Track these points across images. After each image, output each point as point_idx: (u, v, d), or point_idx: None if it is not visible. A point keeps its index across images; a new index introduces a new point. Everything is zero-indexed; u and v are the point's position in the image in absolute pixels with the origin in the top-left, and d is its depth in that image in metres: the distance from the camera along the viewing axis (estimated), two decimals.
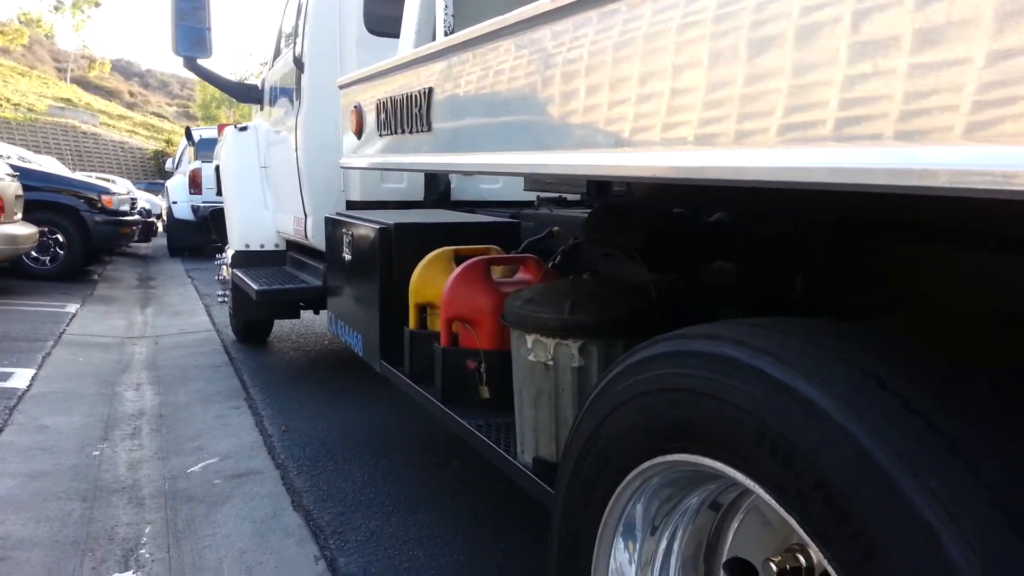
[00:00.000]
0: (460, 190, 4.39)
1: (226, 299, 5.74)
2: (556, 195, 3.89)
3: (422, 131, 1.99)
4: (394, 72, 2.26)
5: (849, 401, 0.96)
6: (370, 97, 2.50)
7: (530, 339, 2.04)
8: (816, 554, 1.27)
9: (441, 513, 3.17)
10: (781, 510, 1.03)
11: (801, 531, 1.00)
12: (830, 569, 0.96)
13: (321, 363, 5.73)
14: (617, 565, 1.46)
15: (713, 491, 1.41)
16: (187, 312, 7.99)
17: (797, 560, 1.28)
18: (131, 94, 61.19)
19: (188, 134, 14.10)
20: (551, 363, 2.01)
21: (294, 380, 5.17)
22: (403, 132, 2.15)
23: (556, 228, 3.03)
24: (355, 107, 2.63)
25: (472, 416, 2.55)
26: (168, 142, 35.40)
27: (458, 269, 2.70)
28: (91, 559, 2.75)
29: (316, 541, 2.90)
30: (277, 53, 5.22)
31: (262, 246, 5.35)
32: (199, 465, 3.68)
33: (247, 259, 5.31)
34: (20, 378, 4.83)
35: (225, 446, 3.93)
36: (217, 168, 6.21)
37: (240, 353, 5.94)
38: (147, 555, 2.82)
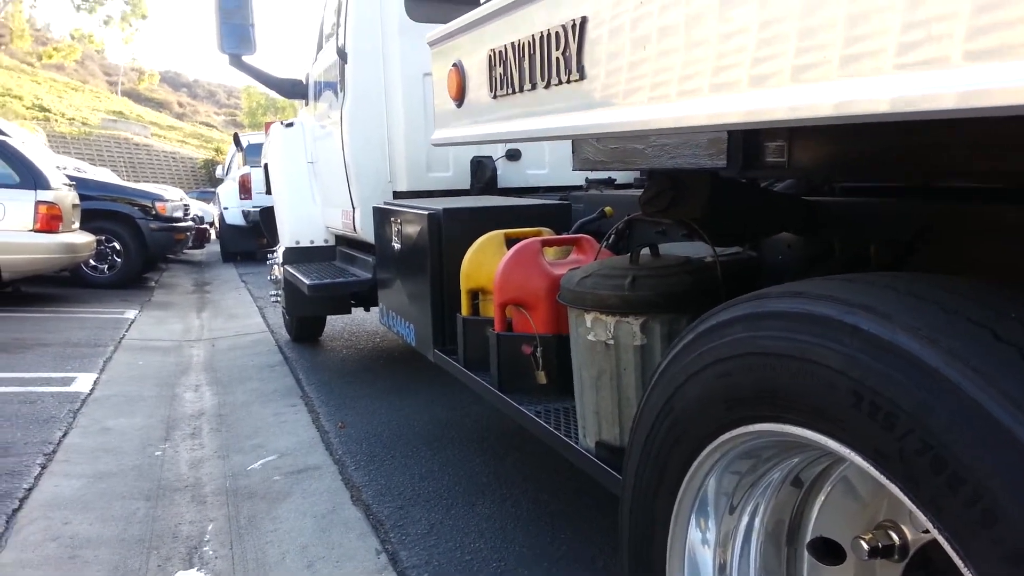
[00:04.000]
0: (506, 177, 4.34)
1: (279, 298, 5.79)
2: (606, 177, 3.80)
3: (566, 81, 1.55)
4: (519, 6, 1.77)
5: (959, 354, 0.88)
6: (477, 49, 2.04)
7: (589, 318, 1.97)
8: (911, 531, 1.19)
9: (500, 505, 3.12)
10: (882, 479, 0.95)
11: (907, 500, 0.92)
12: (941, 539, 0.88)
13: (375, 360, 5.74)
14: (693, 546, 1.39)
15: (796, 465, 1.33)
16: (242, 315, 8.09)
17: (889, 537, 1.20)
18: (180, 105, 62.59)
19: (236, 140, 14.33)
20: (612, 342, 1.93)
21: (349, 377, 5.19)
22: (531, 88, 1.71)
23: (608, 208, 2.96)
24: (454, 65, 2.18)
25: (530, 403, 2.49)
26: (217, 150, 36.11)
27: (510, 252, 2.64)
28: (156, 557, 2.77)
29: (377, 535, 2.88)
30: (320, 46, 5.23)
31: (312, 242, 5.37)
32: (259, 463, 3.70)
33: (297, 256, 5.34)
34: (83, 382, 4.93)
35: (283, 443, 3.94)
36: (265, 166, 6.26)
37: (294, 353, 5.98)
38: (211, 552, 2.83)
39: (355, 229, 4.54)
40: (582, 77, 1.49)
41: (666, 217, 1.93)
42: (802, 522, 1.41)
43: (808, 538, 1.39)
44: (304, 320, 6.08)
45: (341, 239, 5.28)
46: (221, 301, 9.27)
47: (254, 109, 47.78)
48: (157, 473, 3.58)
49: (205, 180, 31.18)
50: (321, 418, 4.29)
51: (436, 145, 2.38)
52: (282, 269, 5.40)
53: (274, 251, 6.03)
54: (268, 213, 6.24)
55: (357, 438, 3.94)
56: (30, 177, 7.60)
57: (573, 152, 2.46)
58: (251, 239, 12.90)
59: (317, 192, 5.40)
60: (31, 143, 8.47)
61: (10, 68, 40.55)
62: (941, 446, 0.86)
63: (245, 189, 12.79)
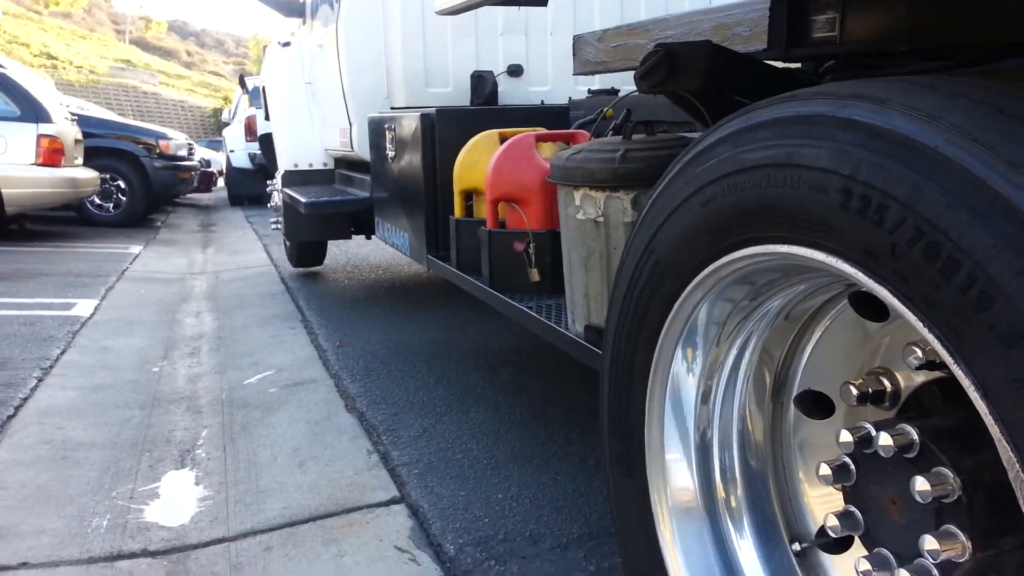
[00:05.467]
0: (507, 94, 4.23)
1: (279, 224, 5.74)
2: (609, 88, 3.70)
3: None
4: None
5: (958, 129, 0.81)
6: None
7: (578, 195, 1.91)
8: (903, 377, 1.13)
9: (495, 411, 3.11)
10: (871, 282, 0.89)
11: (896, 301, 0.86)
12: (931, 338, 0.82)
13: (375, 289, 5.71)
14: (677, 377, 1.32)
15: (798, 295, 1.25)
16: (246, 251, 8.07)
17: (880, 383, 1.14)
18: (188, 54, 61.99)
19: (242, 82, 14.14)
20: (601, 219, 1.87)
21: (349, 304, 5.16)
22: None
23: (608, 109, 2.87)
24: None
25: (522, 300, 2.45)
26: (225, 99, 35.79)
27: (503, 146, 2.57)
28: (148, 458, 2.77)
29: (369, 438, 2.87)
30: None
31: (310, 165, 5.29)
32: (255, 377, 3.70)
33: (296, 179, 5.27)
34: (83, 307, 4.93)
35: (281, 360, 3.94)
36: (263, 89, 6.15)
37: (296, 283, 5.96)
38: (203, 454, 2.83)
39: (352, 147, 4.46)
40: None
41: (663, 90, 1.84)
42: (789, 373, 1.35)
43: (796, 391, 1.34)
44: (304, 245, 6.02)
45: (340, 161, 5.20)
46: (226, 239, 9.25)
47: (262, 57, 47.24)
48: (154, 387, 3.59)
49: (214, 129, 30.98)
50: (319, 338, 4.28)
51: (440, 12, 2.24)
52: (281, 193, 5.34)
53: (274, 178, 5.97)
54: (267, 139, 6.15)
55: (354, 355, 3.93)
56: (31, 110, 7.52)
57: (574, 54, 2.35)
58: (258, 182, 12.80)
59: (315, 113, 5.31)
60: (29, 76, 8.37)
61: (16, 16, 40.17)
62: (935, 231, 0.80)
63: (251, 131, 12.66)
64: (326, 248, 6.33)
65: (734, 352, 1.31)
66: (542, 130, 2.94)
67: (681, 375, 1.32)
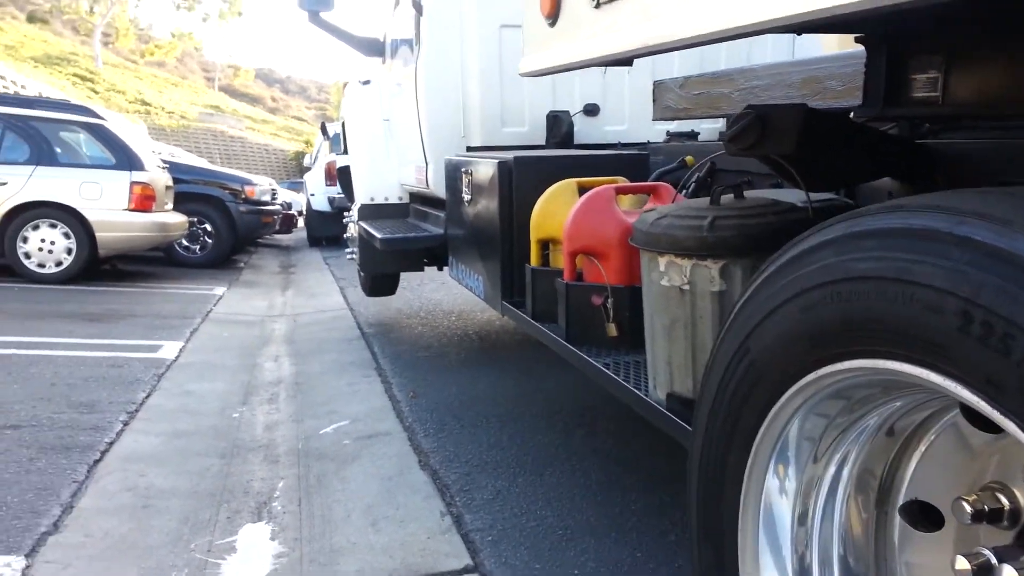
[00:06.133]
0: (583, 133, 4.21)
1: (354, 255, 5.83)
2: (688, 131, 3.64)
3: None
4: None
5: None
6: None
7: (663, 261, 1.85)
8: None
9: (569, 476, 3.04)
10: (995, 413, 0.82)
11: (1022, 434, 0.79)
12: None
13: (449, 337, 5.72)
14: (769, 495, 1.26)
15: (896, 411, 1.18)
16: (324, 294, 8.23)
17: (997, 500, 1.05)
18: (273, 99, 64.58)
19: (323, 129, 14.63)
20: (687, 287, 1.81)
21: (423, 352, 5.19)
22: None
23: (690, 156, 2.82)
24: None
25: (599, 355, 2.39)
26: (307, 143, 37.05)
27: (583, 197, 2.54)
28: (226, 509, 2.80)
29: (442, 498, 2.84)
30: (397, 2, 5.21)
31: (386, 199, 5.37)
32: (331, 427, 3.72)
33: (372, 212, 5.36)
34: (169, 350, 5.08)
35: (355, 409, 3.96)
36: (342, 124, 6.30)
37: (371, 328, 6.03)
38: (279, 507, 2.84)
39: (428, 184, 4.50)
40: None
41: (753, 154, 1.78)
42: (894, 482, 1.27)
43: (901, 501, 1.25)
44: (378, 277, 6.09)
45: (415, 197, 5.27)
46: (304, 281, 9.47)
47: (342, 102, 48.75)
48: (233, 434, 3.64)
49: (295, 171, 32.03)
50: (394, 387, 4.29)
51: (524, 75, 2.21)
52: (357, 226, 5.43)
53: (351, 210, 6.09)
54: (345, 172, 6.27)
55: (428, 407, 3.92)
56: (126, 159, 7.90)
57: (654, 100, 2.33)
58: (336, 224, 13.11)
59: (392, 149, 5.39)
60: (126, 127, 8.82)
61: (115, 65, 42.63)
62: None
63: (331, 176, 13.02)
64: (399, 279, 6.38)
65: (832, 470, 1.24)
66: (622, 181, 2.91)
67: (774, 492, 1.25)
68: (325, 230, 13.68)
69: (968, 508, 1.04)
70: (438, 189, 4.34)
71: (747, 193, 1.93)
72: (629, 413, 3.64)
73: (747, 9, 1.20)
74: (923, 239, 0.94)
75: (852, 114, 1.72)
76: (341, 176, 6.70)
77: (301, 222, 16.00)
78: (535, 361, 4.76)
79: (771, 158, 1.76)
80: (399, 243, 4.53)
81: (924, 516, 1.18)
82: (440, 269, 5.30)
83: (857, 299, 1.02)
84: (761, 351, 1.22)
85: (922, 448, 1.23)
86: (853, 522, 1.28)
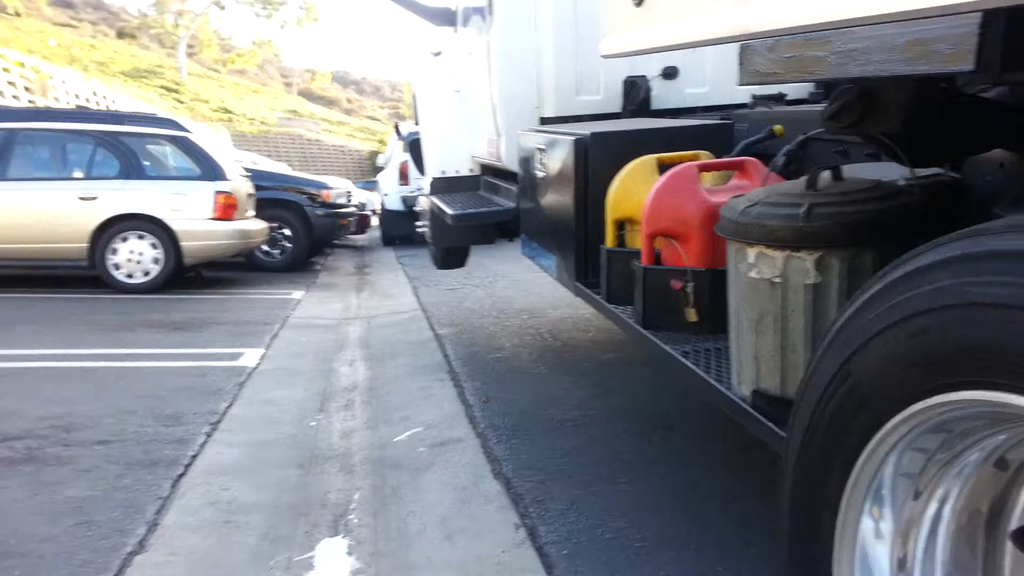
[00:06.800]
0: (661, 97, 4.05)
1: (425, 228, 5.82)
2: (775, 92, 3.47)
3: None
4: None
5: None
6: None
7: (752, 252, 1.74)
8: None
9: (646, 483, 2.96)
10: None
11: None
12: None
13: (520, 336, 5.69)
14: (864, 539, 1.17)
15: (1001, 444, 1.09)
16: (397, 294, 8.32)
17: None
18: (348, 101, 65.85)
19: (397, 129, 14.76)
20: (779, 280, 1.69)
21: (495, 354, 5.17)
22: None
23: (778, 126, 2.67)
24: None
25: (677, 342, 2.30)
26: (381, 142, 37.63)
27: (662, 177, 2.44)
28: (305, 523, 2.83)
29: (516, 509, 2.80)
30: None
31: (457, 171, 5.32)
32: (405, 434, 3.73)
33: (443, 186, 5.31)
34: (250, 357, 5.21)
35: (429, 416, 3.96)
36: (413, 96, 6.27)
37: (444, 329, 6.05)
38: (356, 520, 2.86)
39: (500, 158, 4.42)
40: None
41: (856, 133, 1.65)
42: (1005, 508, 1.17)
43: (1013, 526, 1.15)
44: (448, 250, 6.04)
45: (486, 168, 5.18)
46: (378, 282, 9.60)
47: (414, 100, 49.24)
48: (311, 443, 3.70)
49: (370, 171, 32.59)
50: (466, 392, 4.28)
51: (607, 57, 2.12)
52: (428, 200, 5.41)
53: (421, 184, 6.06)
54: (416, 144, 6.24)
55: (500, 412, 3.89)
56: (209, 169, 8.15)
57: (740, 64, 2.19)
58: (409, 223, 13.26)
59: (463, 121, 5.31)
60: (209, 138, 9.09)
61: (199, 75, 44.18)
62: None
63: (404, 176, 13.20)
64: (469, 252, 6.35)
65: (932, 508, 1.14)
66: (704, 155, 2.79)
67: (869, 534, 1.16)
68: (399, 229, 13.84)
69: None
70: (511, 163, 4.24)
71: (845, 171, 1.80)
72: (708, 415, 3.54)
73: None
74: None
75: (963, 81, 1.56)
76: (412, 148, 6.66)
77: (375, 221, 16.26)
78: (609, 364, 4.68)
79: (873, 135, 1.63)
80: (470, 218, 4.48)
81: None
82: (510, 240, 5.19)
83: (978, 327, 0.93)
84: (864, 374, 1.13)
85: None
86: (958, 557, 1.18)
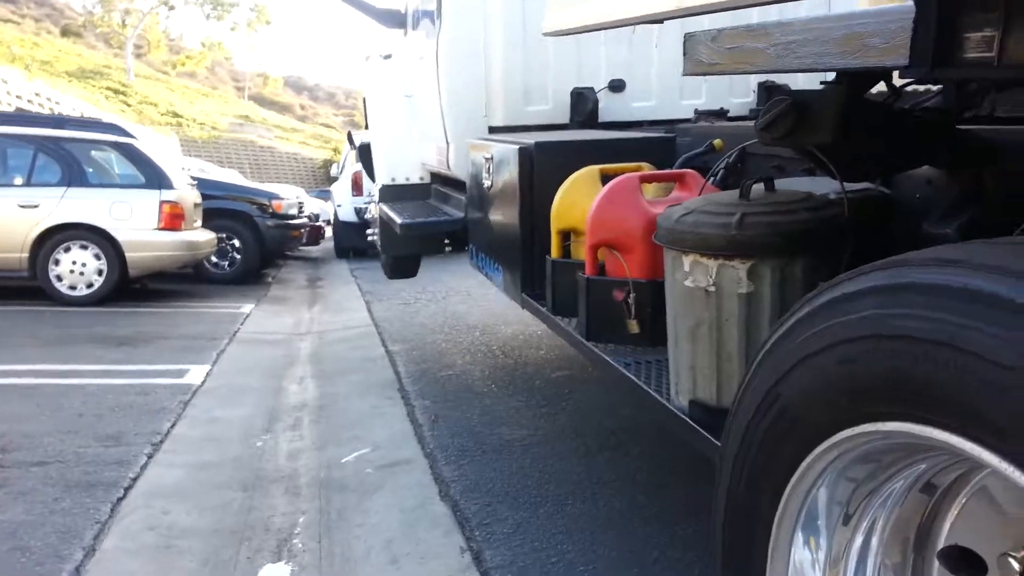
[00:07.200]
0: (609, 110, 4.11)
1: (375, 237, 5.79)
2: (717, 108, 3.54)
3: None
4: None
5: None
6: None
7: (687, 260, 1.78)
8: None
9: (592, 504, 2.99)
10: None
11: None
12: None
13: (472, 354, 5.70)
14: (797, 564, 1.21)
15: (924, 472, 1.13)
16: (350, 309, 8.26)
17: None
18: (302, 107, 65.19)
19: (350, 138, 14.65)
20: (713, 288, 1.74)
21: (446, 371, 5.17)
22: None
23: (718, 140, 2.74)
24: None
25: (619, 354, 2.34)
26: (335, 150, 37.34)
27: (604, 188, 2.48)
28: (247, 548, 2.80)
29: (462, 532, 2.81)
30: None
31: (407, 179, 5.28)
32: (353, 455, 3.71)
33: (393, 193, 5.27)
34: (195, 374, 5.12)
35: (378, 436, 3.95)
36: (364, 101, 6.23)
37: (396, 346, 6.03)
38: (299, 545, 2.84)
39: (449, 166, 4.41)
40: None
41: (788, 144, 1.71)
42: (932, 529, 1.21)
43: (940, 546, 1.19)
44: (399, 259, 5.99)
45: (436, 176, 5.16)
46: (331, 295, 9.52)
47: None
48: (256, 464, 3.65)
49: (324, 179, 32.30)
50: (416, 411, 4.28)
51: (547, 35, 2.16)
52: (378, 207, 5.37)
53: (372, 189, 6.03)
54: (366, 150, 6.19)
55: (450, 432, 3.90)
56: (155, 177, 7.99)
57: (684, 53, 2.23)
58: (362, 235, 13.18)
59: (414, 127, 5.26)
60: (156, 144, 8.93)
61: (147, 77, 43.34)
62: None
63: (357, 186, 13.09)
64: (419, 262, 6.32)
65: (860, 539, 1.18)
66: (646, 167, 2.83)
67: (806, 564, 1.20)
68: (352, 241, 13.73)
69: (1016, 565, 0.99)
70: (459, 171, 4.24)
71: (778, 184, 1.86)
72: (657, 434, 3.60)
73: None
74: (984, 304, 0.86)
75: (897, 74, 1.62)
76: (362, 153, 6.61)
77: (329, 231, 16.12)
78: (560, 380, 4.72)
79: (805, 147, 1.68)
80: (419, 228, 4.47)
81: (965, 562, 1.12)
82: (463, 250, 5.21)
83: (902, 359, 0.96)
84: (793, 398, 1.16)
85: (961, 501, 1.18)
86: None
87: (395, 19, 5.51)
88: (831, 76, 1.68)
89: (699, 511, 2.85)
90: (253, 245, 10.15)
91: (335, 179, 18.11)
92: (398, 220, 4.52)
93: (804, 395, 1.14)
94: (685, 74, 2.16)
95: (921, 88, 1.86)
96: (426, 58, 4.66)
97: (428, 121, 4.79)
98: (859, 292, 1.06)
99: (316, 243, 14.92)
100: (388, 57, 5.71)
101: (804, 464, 1.16)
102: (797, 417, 1.16)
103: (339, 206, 14.12)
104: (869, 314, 1.02)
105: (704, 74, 2.12)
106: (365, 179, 12.02)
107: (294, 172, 34.52)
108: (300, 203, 12.22)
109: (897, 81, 1.64)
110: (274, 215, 10.56)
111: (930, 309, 0.93)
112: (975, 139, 1.64)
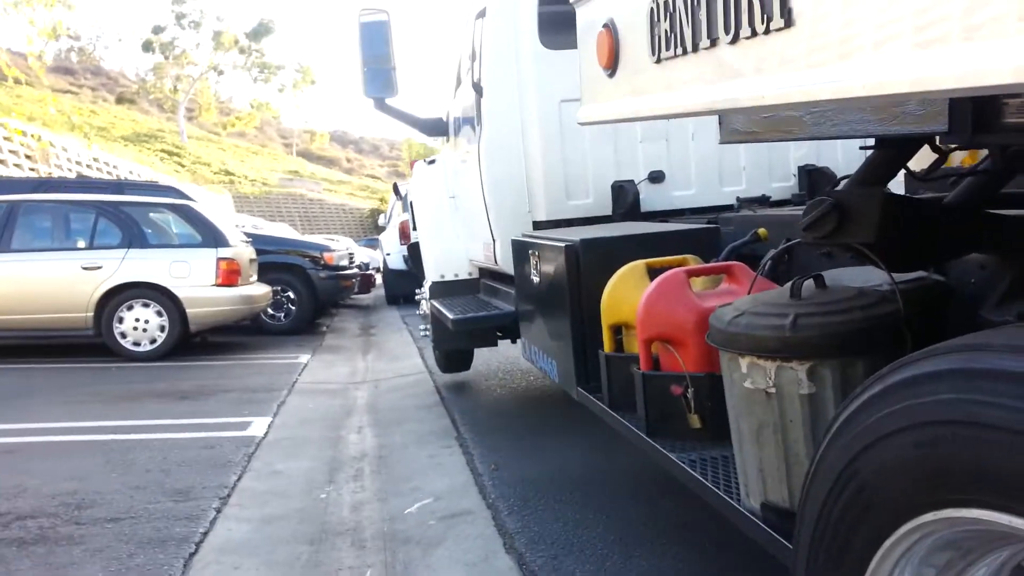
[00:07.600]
0: (649, 200, 4.18)
1: (428, 332, 5.90)
2: (759, 196, 3.56)
3: (764, 32, 1.23)
4: None
5: None
6: (634, 1, 1.73)
7: (744, 362, 1.76)
8: None
9: (660, 558, 2.94)
10: None
11: None
12: None
13: (528, 399, 5.70)
14: None
15: (1007, 560, 1.09)
16: (403, 356, 8.35)
17: None
18: (348, 160, 66.79)
19: (396, 189, 15.00)
20: (773, 391, 1.70)
21: (502, 418, 5.17)
22: (709, 44, 1.41)
23: (763, 229, 2.74)
24: (605, 26, 1.88)
25: (683, 449, 2.32)
26: (382, 200, 38.09)
27: (652, 284, 2.49)
28: None
29: None
30: (458, 82, 5.33)
31: (456, 275, 5.43)
32: (415, 506, 3.72)
33: (443, 289, 5.41)
34: (258, 426, 5.21)
35: (438, 486, 3.95)
36: (411, 203, 6.45)
37: (450, 393, 6.06)
38: None
39: (496, 261, 4.54)
40: (788, 24, 1.17)
41: (832, 243, 1.71)
42: None
43: None
44: (452, 353, 6.12)
45: (484, 271, 5.31)
46: (384, 343, 9.62)
47: (413, 158, 50.07)
48: (321, 516, 3.68)
49: (372, 228, 32.89)
50: (475, 459, 4.28)
51: (582, 124, 2.21)
52: (429, 304, 5.49)
53: (422, 285, 6.18)
54: (415, 249, 6.40)
55: (510, 481, 3.88)
56: (211, 236, 8.26)
57: (720, 123, 2.23)
58: (412, 281, 13.35)
59: (460, 226, 5.46)
60: (211, 205, 9.23)
61: (199, 138, 44.92)
62: None
63: (404, 235, 13.30)
64: (473, 355, 6.41)
65: None
66: (692, 259, 2.85)
67: None
68: (402, 288, 13.91)
69: None
70: (506, 266, 4.36)
71: (829, 277, 1.85)
72: None
73: (855, 78, 1.08)
74: None
75: (937, 140, 1.60)
76: (411, 251, 6.84)
77: (379, 278, 16.37)
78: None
79: (850, 245, 1.69)
80: (470, 323, 4.56)
81: None
82: (513, 342, 5.30)
83: (984, 448, 0.93)
84: (872, 476, 1.13)
85: None
86: None
87: (437, 128, 5.79)
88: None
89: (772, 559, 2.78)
90: (307, 296, 10.38)
91: (383, 228, 18.47)
92: (450, 316, 4.63)
93: (883, 474, 1.11)
94: (722, 142, 2.17)
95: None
96: (469, 161, 4.86)
97: (473, 220, 4.96)
98: (935, 373, 1.03)
99: (367, 291, 15.15)
100: (432, 162, 5.96)
101: (885, 545, 1.12)
102: (875, 494, 1.12)
103: (388, 255, 14.37)
104: (947, 398, 1.00)
105: (740, 142, 2.12)
106: (411, 228, 12.26)
107: (343, 223, 35.21)
108: (350, 253, 12.47)
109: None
110: (326, 267, 10.79)
111: (1008, 397, 0.91)
112: (1012, 222, 1.63)
